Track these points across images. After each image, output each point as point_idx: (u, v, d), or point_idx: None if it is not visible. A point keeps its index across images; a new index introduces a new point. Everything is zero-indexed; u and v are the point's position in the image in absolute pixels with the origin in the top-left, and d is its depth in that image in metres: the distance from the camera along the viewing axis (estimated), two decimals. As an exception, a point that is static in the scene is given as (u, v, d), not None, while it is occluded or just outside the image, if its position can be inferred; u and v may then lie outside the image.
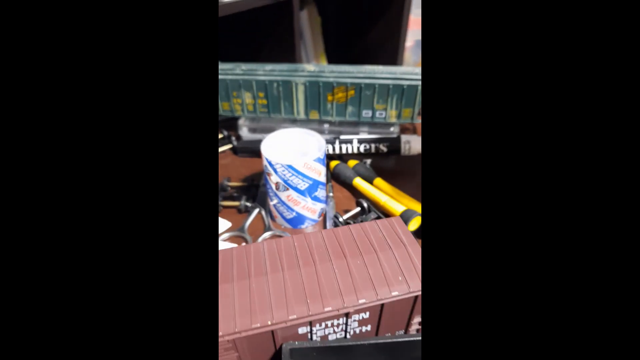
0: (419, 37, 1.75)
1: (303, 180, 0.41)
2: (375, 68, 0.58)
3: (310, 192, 0.43)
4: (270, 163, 0.40)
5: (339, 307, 0.25)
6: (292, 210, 0.44)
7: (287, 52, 0.93)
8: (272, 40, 0.93)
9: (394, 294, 0.26)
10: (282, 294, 0.26)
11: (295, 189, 0.42)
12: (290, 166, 0.40)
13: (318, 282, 0.26)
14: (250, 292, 0.26)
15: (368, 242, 0.29)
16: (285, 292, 0.26)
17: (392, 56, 1.27)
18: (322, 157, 0.42)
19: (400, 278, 0.27)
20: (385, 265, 0.27)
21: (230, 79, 0.56)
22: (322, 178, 0.44)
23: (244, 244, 0.43)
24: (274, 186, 0.42)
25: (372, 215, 0.43)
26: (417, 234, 0.44)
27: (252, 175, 0.55)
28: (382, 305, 0.26)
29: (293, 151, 0.46)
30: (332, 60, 1.33)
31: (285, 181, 0.41)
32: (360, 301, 0.25)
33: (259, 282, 0.26)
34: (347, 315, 0.25)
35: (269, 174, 0.42)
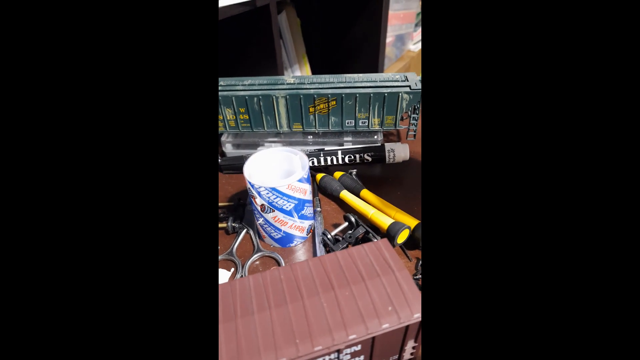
0: (399, 31, 1.74)
1: (288, 201, 0.40)
2: (355, 76, 0.57)
3: (297, 211, 0.42)
4: (253, 186, 0.40)
5: (329, 345, 0.24)
6: (280, 230, 0.43)
7: (268, 57, 0.92)
8: (252, 47, 0.92)
9: (384, 326, 0.25)
10: (270, 334, 0.25)
11: (281, 210, 0.41)
12: (274, 189, 0.39)
13: (306, 318, 0.26)
14: (237, 335, 0.25)
15: (356, 270, 0.29)
16: (274, 332, 0.25)
17: (374, 52, 1.27)
18: (306, 176, 0.41)
19: (390, 308, 0.26)
20: (374, 295, 0.27)
21: (209, 96, 0.55)
22: (308, 196, 0.43)
23: (232, 269, 0.42)
24: (259, 208, 0.42)
25: (361, 229, 0.43)
26: (406, 245, 0.44)
27: (239, 194, 0.54)
28: (374, 337, 0.25)
29: (276, 171, 0.46)
30: (314, 60, 1.32)
31: (270, 203, 0.40)
32: (351, 337, 0.25)
33: (245, 323, 0.26)
34: (338, 351, 0.25)
35: (253, 197, 0.41)
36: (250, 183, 0.40)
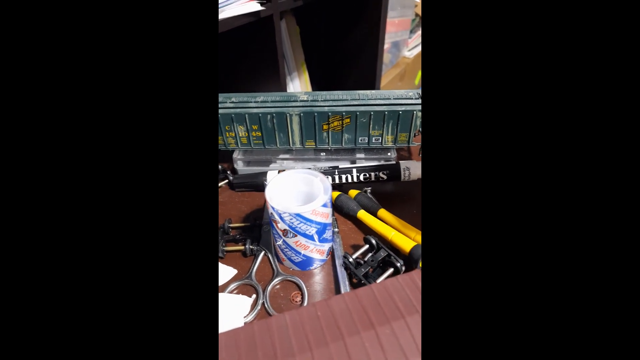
0: (395, 38, 1.75)
1: (311, 226, 0.40)
2: (368, 93, 0.57)
3: (318, 235, 0.42)
4: (276, 211, 0.39)
5: (376, 389, 0.24)
6: (300, 253, 0.43)
7: (270, 67, 0.91)
8: (254, 57, 0.91)
9: (429, 366, 0.25)
10: (314, 377, 0.24)
11: (304, 235, 0.40)
12: (298, 214, 0.38)
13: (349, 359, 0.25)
14: (281, 379, 0.24)
15: (394, 305, 0.29)
16: (318, 376, 0.25)
17: (372, 60, 1.27)
18: (329, 200, 0.41)
19: (432, 347, 0.26)
20: (415, 332, 0.27)
21: (222, 112, 0.54)
22: (329, 219, 0.43)
23: (254, 295, 0.42)
24: (281, 233, 0.41)
25: (382, 252, 0.43)
26: (427, 268, 0.44)
27: (253, 213, 0.53)
28: (418, 378, 0.25)
29: (295, 194, 0.45)
30: (312, 68, 1.31)
31: (293, 228, 0.40)
32: (397, 379, 0.24)
33: (288, 366, 0.25)
34: (383, 393, 0.25)
35: (275, 222, 0.40)
36: (273, 208, 0.39)
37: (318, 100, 0.56)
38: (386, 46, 1.65)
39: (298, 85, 1.25)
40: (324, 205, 0.40)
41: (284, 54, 1.13)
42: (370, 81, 1.31)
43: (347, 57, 1.30)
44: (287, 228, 0.40)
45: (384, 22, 1.20)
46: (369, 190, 0.54)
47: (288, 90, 0.95)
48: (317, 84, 1.35)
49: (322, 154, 0.59)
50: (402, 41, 1.81)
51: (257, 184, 0.56)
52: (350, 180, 0.54)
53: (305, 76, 1.29)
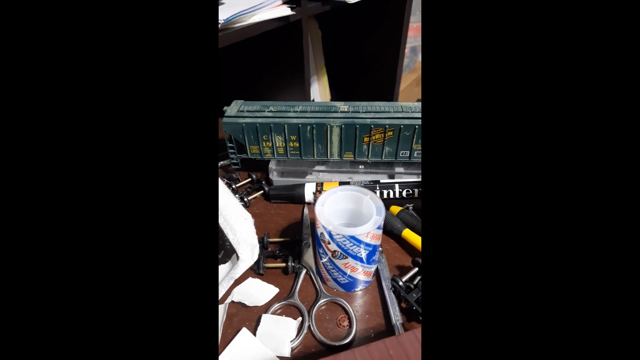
0: (413, 43, 1.73)
1: (364, 249, 0.38)
2: (411, 105, 0.55)
3: (368, 257, 0.40)
4: (328, 232, 0.37)
5: None
6: (347, 275, 0.41)
7: (296, 72, 0.89)
8: (278, 62, 0.90)
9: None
10: None
11: (355, 257, 0.38)
12: (352, 237, 0.36)
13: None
14: None
15: None
16: None
17: (392, 66, 1.24)
18: (382, 221, 0.39)
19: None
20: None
21: (260, 122, 0.52)
22: (380, 240, 0.41)
23: (300, 318, 0.40)
24: (330, 254, 0.39)
25: (432, 276, 0.41)
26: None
27: (291, 227, 0.51)
28: None
29: (343, 213, 0.43)
30: (331, 72, 1.29)
31: (345, 250, 0.38)
32: None
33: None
34: None
35: (324, 242, 0.39)
36: (324, 228, 0.37)
37: (359, 112, 0.54)
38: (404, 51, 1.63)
39: (317, 90, 1.23)
40: (379, 228, 0.38)
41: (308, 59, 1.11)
42: (390, 87, 1.29)
43: (366, 63, 1.28)
44: (338, 249, 0.38)
45: (406, 28, 1.18)
46: (411, 207, 0.52)
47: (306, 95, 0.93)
48: (335, 89, 1.33)
49: (360, 166, 0.57)
50: (420, 46, 1.79)
51: (294, 196, 0.54)
52: (391, 195, 0.52)
53: (325, 81, 1.27)
